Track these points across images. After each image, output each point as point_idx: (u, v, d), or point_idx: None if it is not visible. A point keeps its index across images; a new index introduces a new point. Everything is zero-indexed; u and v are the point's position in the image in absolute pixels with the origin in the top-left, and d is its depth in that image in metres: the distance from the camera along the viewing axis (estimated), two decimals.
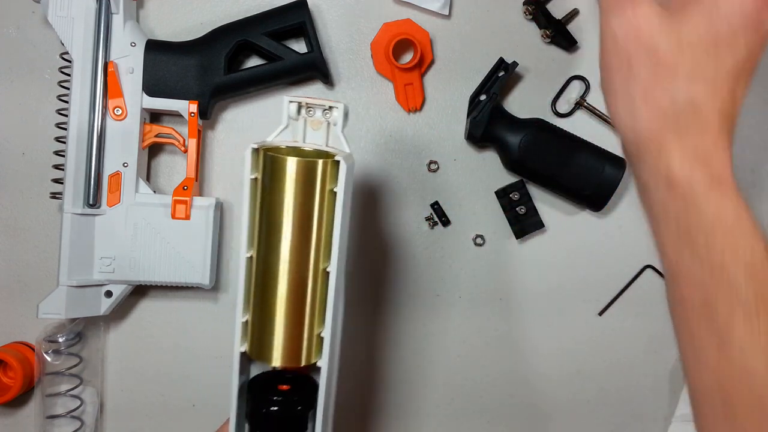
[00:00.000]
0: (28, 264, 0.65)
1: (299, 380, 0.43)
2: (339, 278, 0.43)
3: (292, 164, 0.39)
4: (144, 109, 0.60)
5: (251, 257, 0.41)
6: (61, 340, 0.62)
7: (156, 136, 0.61)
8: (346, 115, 0.47)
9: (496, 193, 0.65)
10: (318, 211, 0.40)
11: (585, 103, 0.66)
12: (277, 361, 0.41)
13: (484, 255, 0.66)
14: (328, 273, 0.41)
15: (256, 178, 0.40)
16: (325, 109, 0.46)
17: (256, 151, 0.40)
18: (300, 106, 0.46)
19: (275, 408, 0.41)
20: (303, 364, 0.42)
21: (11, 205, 0.65)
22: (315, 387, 0.42)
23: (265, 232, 0.40)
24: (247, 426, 0.42)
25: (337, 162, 0.40)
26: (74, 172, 0.58)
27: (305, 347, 0.42)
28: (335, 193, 0.40)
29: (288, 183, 0.39)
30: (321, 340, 0.42)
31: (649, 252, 0.67)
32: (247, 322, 0.42)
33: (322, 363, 0.42)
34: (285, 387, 0.42)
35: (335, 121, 0.46)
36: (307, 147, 0.43)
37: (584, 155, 0.62)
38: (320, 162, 0.40)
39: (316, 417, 0.41)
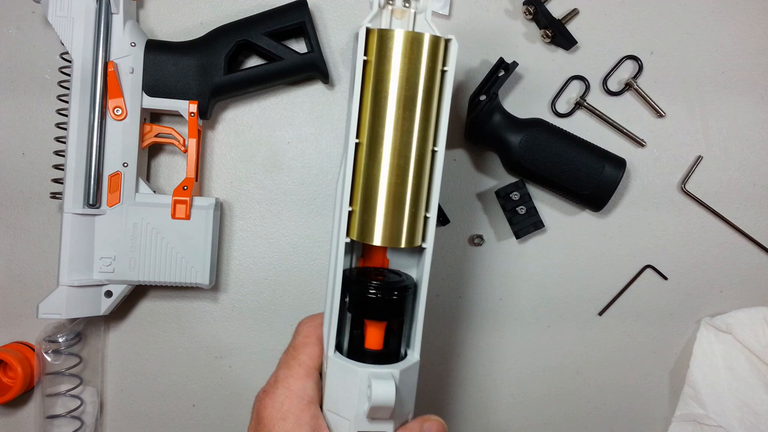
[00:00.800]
0: (28, 264, 0.65)
1: (392, 273, 0.47)
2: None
3: (410, 40, 0.40)
4: (144, 109, 0.60)
5: (359, 143, 0.42)
6: (61, 340, 0.62)
7: (156, 136, 0.61)
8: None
9: (496, 193, 0.65)
10: (431, 91, 0.41)
11: (585, 103, 0.66)
12: (381, 240, 0.43)
13: (484, 255, 0.66)
14: (435, 153, 0.43)
15: (366, 61, 0.40)
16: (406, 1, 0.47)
17: (369, 31, 0.40)
18: None
19: (373, 292, 0.44)
20: (404, 245, 0.44)
21: (11, 205, 0.65)
22: (406, 284, 0.45)
23: (377, 115, 0.41)
24: (349, 315, 0.46)
25: (449, 40, 0.41)
26: (74, 172, 0.58)
27: (408, 229, 0.43)
28: (445, 72, 0.41)
29: (405, 60, 0.40)
30: (425, 222, 0.44)
31: (649, 252, 0.67)
32: (351, 212, 0.43)
33: (427, 244, 0.44)
34: (380, 278, 0.45)
35: (422, 9, 0.46)
36: (413, 30, 0.43)
37: (584, 155, 0.62)
38: (440, 39, 0.41)
39: (420, 296, 0.45)
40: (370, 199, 0.43)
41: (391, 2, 0.45)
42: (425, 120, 0.42)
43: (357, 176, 0.43)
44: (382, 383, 0.42)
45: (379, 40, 0.41)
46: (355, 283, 0.45)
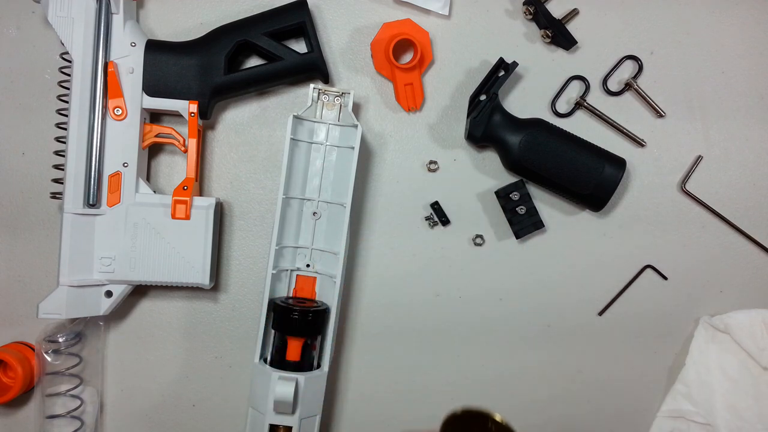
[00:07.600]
0: (28, 264, 0.65)
1: (314, 302, 0.61)
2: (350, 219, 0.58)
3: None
4: (144, 109, 0.60)
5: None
6: (61, 340, 0.62)
7: (156, 136, 0.61)
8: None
9: (496, 193, 0.65)
10: None
11: (585, 103, 0.66)
12: None
13: (484, 255, 0.66)
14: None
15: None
16: (338, 96, 0.61)
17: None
18: (320, 92, 0.61)
19: (296, 315, 0.57)
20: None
21: (11, 205, 0.65)
22: (321, 309, 0.59)
23: None
24: (276, 333, 0.59)
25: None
26: (74, 172, 0.58)
27: None
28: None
29: None
30: None
31: (649, 252, 0.67)
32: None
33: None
34: (302, 304, 0.59)
35: (346, 103, 0.60)
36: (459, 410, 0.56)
37: (584, 155, 0.62)
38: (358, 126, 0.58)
39: (330, 319, 0.59)
40: None
41: (324, 97, 0.60)
42: None
43: None
44: (283, 383, 0.55)
45: None
46: (280, 306, 0.57)
